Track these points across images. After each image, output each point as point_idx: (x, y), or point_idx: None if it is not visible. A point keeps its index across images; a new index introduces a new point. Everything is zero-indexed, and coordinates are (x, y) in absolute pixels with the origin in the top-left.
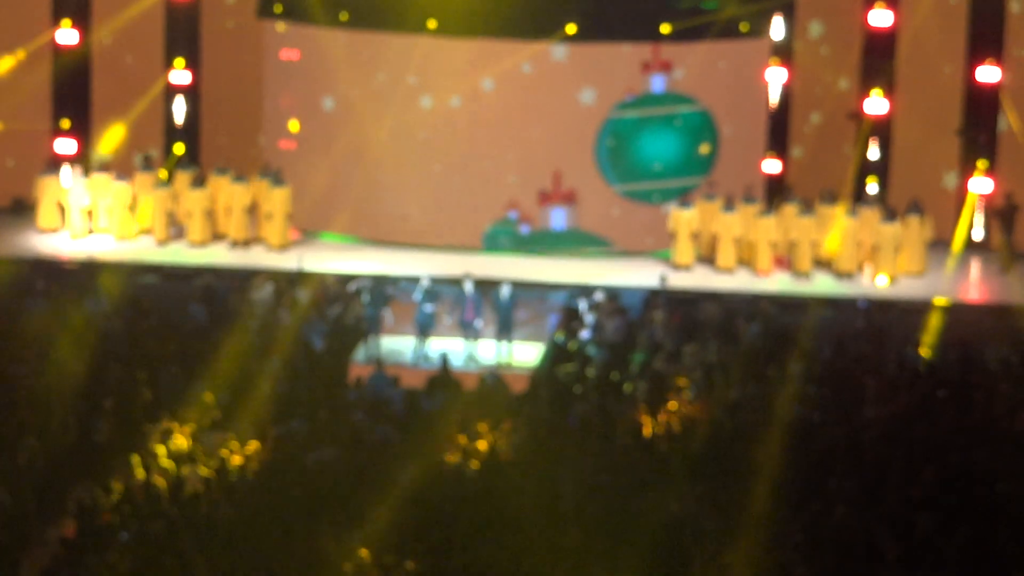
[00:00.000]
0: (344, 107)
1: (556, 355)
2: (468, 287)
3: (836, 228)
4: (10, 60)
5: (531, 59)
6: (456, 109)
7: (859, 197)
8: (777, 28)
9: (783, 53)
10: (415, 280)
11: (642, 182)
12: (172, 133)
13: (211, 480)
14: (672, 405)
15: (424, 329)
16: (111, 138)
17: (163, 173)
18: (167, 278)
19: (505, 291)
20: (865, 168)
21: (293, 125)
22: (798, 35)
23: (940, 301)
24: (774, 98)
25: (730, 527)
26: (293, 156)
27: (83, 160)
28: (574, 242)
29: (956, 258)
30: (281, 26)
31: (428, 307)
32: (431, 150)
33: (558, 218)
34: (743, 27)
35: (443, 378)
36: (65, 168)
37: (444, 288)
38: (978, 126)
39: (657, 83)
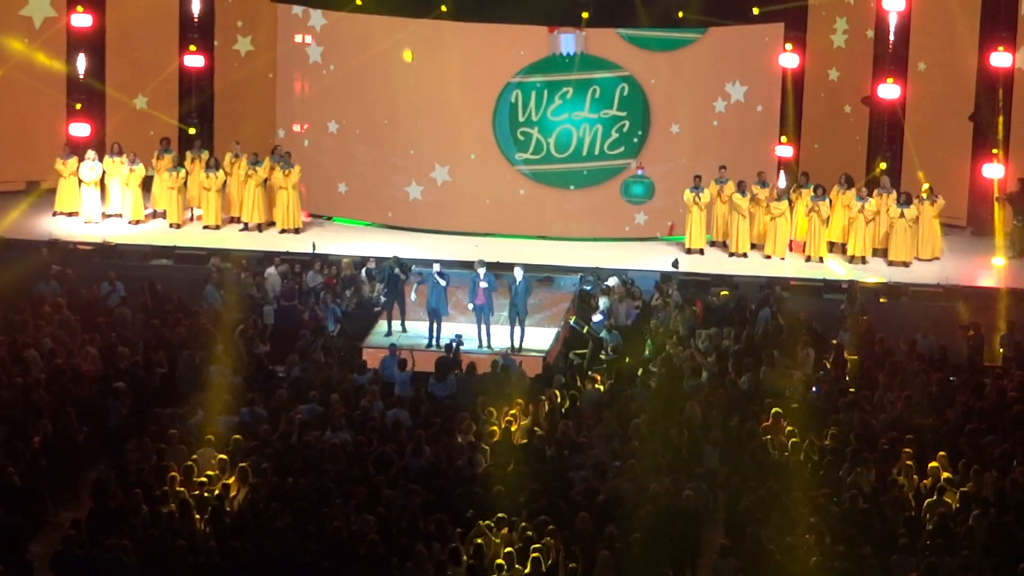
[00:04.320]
0: (358, 91)
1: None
2: (481, 271)
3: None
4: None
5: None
6: (470, 94)
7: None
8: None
9: (797, 38)
10: (427, 264)
11: None
12: (187, 117)
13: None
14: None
15: (436, 313)
16: None
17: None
18: (181, 261)
19: (518, 275)
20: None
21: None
22: (812, 20)
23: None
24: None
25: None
26: (306, 139)
27: (97, 143)
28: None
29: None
30: (296, 9)
31: (440, 291)
32: (445, 135)
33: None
34: (756, 11)
35: (451, 361)
36: (81, 152)
37: (457, 272)
38: (991, 112)
39: None
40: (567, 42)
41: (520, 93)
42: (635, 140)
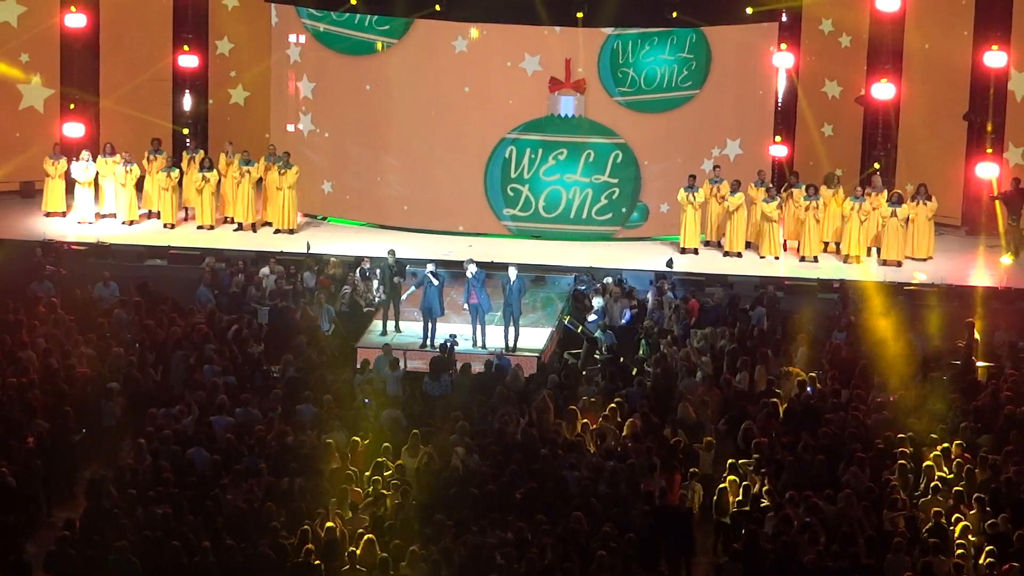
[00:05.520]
0: (353, 90)
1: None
2: (473, 270)
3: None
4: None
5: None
6: (463, 93)
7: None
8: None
9: (791, 38)
10: (421, 264)
11: None
12: (180, 117)
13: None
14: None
15: (430, 312)
16: None
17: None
18: (175, 261)
19: (512, 274)
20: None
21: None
22: (806, 20)
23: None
24: (781, 82)
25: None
26: (300, 139)
27: (91, 143)
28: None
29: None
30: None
31: (434, 290)
32: (437, 134)
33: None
34: (750, 11)
35: (445, 361)
36: (73, 152)
37: (450, 272)
38: (984, 110)
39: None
40: (567, 104)
41: (515, 149)
42: (623, 210)
